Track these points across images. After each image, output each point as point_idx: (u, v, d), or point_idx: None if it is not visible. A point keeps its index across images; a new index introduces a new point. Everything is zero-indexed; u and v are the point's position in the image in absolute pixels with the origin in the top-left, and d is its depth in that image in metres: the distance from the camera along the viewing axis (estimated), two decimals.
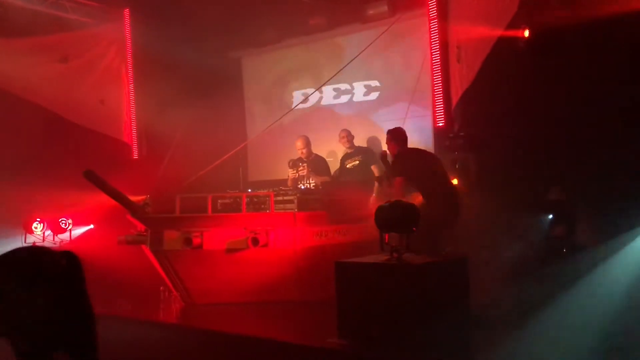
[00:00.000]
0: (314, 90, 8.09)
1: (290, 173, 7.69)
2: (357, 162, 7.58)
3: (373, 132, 8.31)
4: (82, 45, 8.91)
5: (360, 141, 7.96)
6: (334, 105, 8.98)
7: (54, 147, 8.26)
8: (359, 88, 8.72)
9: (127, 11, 9.16)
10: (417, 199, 5.50)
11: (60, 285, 1.53)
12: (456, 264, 4.70)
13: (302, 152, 7.76)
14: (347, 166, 7.60)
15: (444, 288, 4.42)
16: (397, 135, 6.06)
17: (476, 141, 6.25)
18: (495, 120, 5.87)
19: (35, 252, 1.60)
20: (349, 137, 7.74)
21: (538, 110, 5.57)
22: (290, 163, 7.80)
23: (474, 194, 6.22)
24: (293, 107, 8.71)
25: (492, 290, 5.24)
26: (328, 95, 9.00)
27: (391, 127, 6.18)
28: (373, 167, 7.41)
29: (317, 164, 7.73)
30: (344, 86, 8.81)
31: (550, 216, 5.83)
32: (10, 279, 1.49)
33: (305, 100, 8.62)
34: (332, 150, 8.54)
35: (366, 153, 7.66)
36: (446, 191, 5.65)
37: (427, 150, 6.58)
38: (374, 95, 8.62)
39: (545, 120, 5.53)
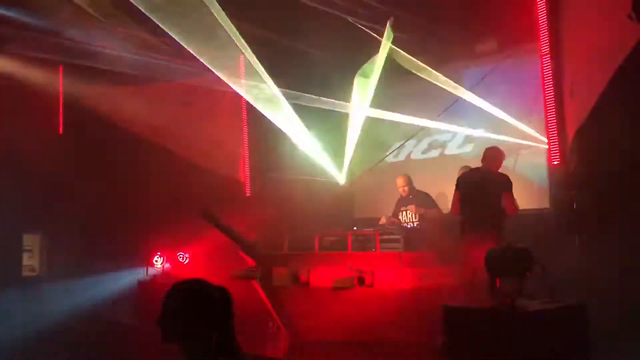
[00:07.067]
0: (420, 129, 8.06)
1: (384, 217, 7.59)
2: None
3: None
4: (202, 89, 9.54)
5: None
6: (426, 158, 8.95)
7: (174, 187, 8.85)
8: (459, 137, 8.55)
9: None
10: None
11: (213, 310, 2.08)
12: (575, 312, 4.40)
13: (403, 190, 7.66)
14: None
15: (562, 338, 4.15)
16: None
17: (594, 179, 5.87)
18: (616, 157, 5.48)
19: (200, 283, 2.13)
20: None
21: None
22: (396, 203, 7.74)
23: (594, 235, 5.82)
24: (395, 147, 8.73)
25: (618, 340, 4.83)
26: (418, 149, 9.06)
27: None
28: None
29: (422, 200, 7.55)
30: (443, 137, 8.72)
31: None
32: (180, 300, 2.06)
33: (407, 140, 8.61)
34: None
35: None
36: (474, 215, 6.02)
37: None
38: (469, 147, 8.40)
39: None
